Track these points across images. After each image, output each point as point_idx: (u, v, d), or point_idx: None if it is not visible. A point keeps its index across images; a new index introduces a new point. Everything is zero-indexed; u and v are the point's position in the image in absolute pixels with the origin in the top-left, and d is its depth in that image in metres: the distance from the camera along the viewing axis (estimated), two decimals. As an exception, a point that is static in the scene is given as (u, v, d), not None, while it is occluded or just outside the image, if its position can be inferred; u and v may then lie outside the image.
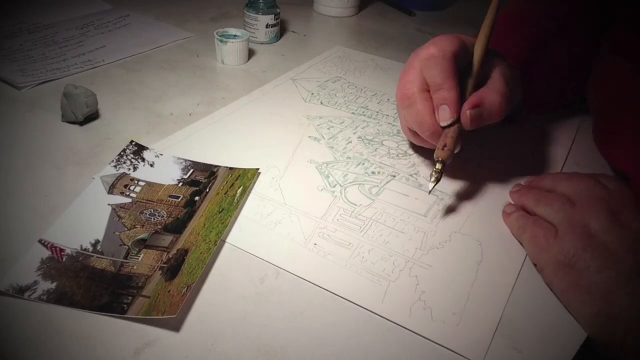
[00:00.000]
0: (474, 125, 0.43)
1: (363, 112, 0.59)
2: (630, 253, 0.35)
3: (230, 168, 0.47)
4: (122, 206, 0.42)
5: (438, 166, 0.43)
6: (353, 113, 0.59)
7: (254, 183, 0.46)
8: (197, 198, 0.44)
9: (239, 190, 0.44)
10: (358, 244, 0.40)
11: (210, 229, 0.40)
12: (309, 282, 0.37)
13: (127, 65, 0.66)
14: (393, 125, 0.57)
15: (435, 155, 0.43)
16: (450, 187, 0.48)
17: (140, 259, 0.38)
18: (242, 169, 0.47)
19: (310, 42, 0.80)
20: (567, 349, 0.34)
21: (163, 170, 0.47)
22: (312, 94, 0.63)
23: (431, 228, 0.43)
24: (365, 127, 0.56)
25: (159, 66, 0.67)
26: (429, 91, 0.44)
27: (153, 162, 0.47)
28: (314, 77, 0.67)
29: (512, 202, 0.45)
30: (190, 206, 0.43)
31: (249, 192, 0.45)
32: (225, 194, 0.44)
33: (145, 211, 0.42)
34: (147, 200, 0.43)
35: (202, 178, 0.46)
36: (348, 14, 0.93)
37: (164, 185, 0.45)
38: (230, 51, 0.67)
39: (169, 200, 0.43)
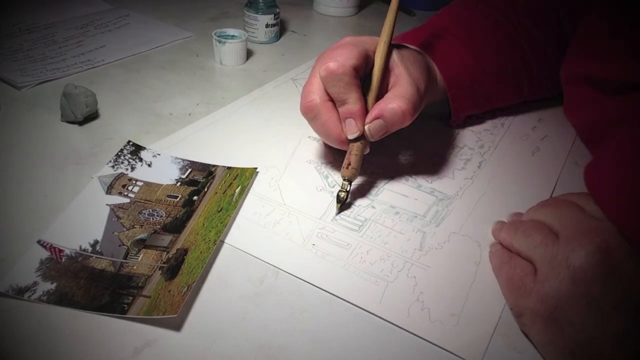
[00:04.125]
0: (378, 137, 0.43)
1: (362, 112, 0.59)
2: (620, 308, 0.30)
3: (229, 167, 0.47)
4: (120, 206, 0.42)
5: (345, 185, 0.43)
6: (352, 113, 0.59)
7: (253, 182, 0.46)
8: (195, 198, 0.44)
9: (238, 190, 0.44)
10: (357, 244, 0.41)
11: (209, 228, 0.40)
12: (308, 282, 0.37)
13: (126, 65, 0.66)
14: (392, 126, 0.57)
15: (341, 174, 0.43)
16: (449, 187, 0.48)
17: (139, 259, 0.38)
18: (240, 168, 0.47)
19: (310, 42, 0.80)
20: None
21: (161, 170, 0.47)
22: (312, 94, 0.62)
23: (430, 229, 0.43)
24: (364, 127, 0.56)
25: (159, 66, 0.67)
26: (331, 101, 0.43)
27: (151, 162, 0.47)
28: (314, 77, 0.67)
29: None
30: (189, 206, 0.43)
31: (248, 192, 0.45)
32: (223, 193, 0.44)
33: (143, 211, 0.42)
34: (145, 200, 0.43)
35: (200, 178, 0.46)
36: (348, 13, 0.93)
37: (162, 185, 0.45)
38: (228, 52, 0.67)
39: (167, 200, 0.44)
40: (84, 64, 0.65)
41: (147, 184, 0.45)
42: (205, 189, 0.45)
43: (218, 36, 0.68)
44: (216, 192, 0.44)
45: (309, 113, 0.44)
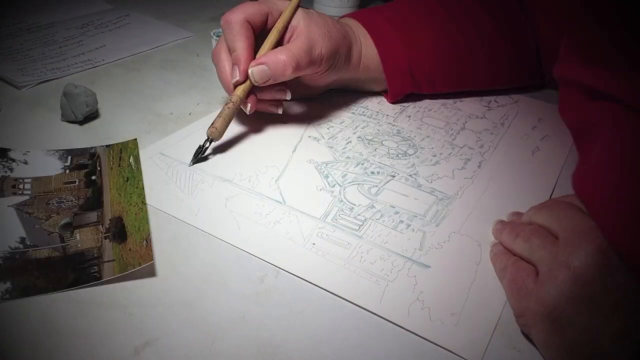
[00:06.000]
0: (262, 82, 0.48)
1: (363, 112, 0.59)
2: (618, 310, 0.30)
3: (107, 145, 0.48)
4: (24, 204, 0.41)
5: (205, 143, 0.48)
6: (353, 113, 0.59)
7: (138, 151, 0.47)
8: (94, 177, 0.44)
9: (132, 160, 0.45)
10: (357, 244, 0.41)
11: (129, 195, 0.41)
12: (308, 282, 0.37)
13: (127, 65, 0.66)
14: (393, 126, 0.57)
15: (206, 132, 0.47)
16: (449, 187, 0.48)
17: (78, 238, 0.38)
18: (119, 143, 0.49)
19: (310, 42, 0.80)
20: (565, 349, 0.34)
21: (40, 164, 0.46)
22: (312, 93, 0.63)
23: (430, 228, 0.43)
24: (365, 127, 0.56)
25: (159, 66, 0.67)
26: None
27: (25, 160, 0.46)
28: (314, 77, 0.67)
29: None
30: (93, 185, 0.43)
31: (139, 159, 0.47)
32: (119, 166, 0.45)
33: (50, 202, 0.41)
34: (44, 192, 0.42)
35: (85, 160, 0.47)
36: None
37: (52, 175, 0.44)
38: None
39: (67, 187, 0.43)
40: (84, 63, 0.65)
41: (36, 179, 0.44)
42: (99, 168, 0.45)
43: (217, 36, 0.68)
44: (111, 168, 0.45)
45: (214, 59, 0.51)
